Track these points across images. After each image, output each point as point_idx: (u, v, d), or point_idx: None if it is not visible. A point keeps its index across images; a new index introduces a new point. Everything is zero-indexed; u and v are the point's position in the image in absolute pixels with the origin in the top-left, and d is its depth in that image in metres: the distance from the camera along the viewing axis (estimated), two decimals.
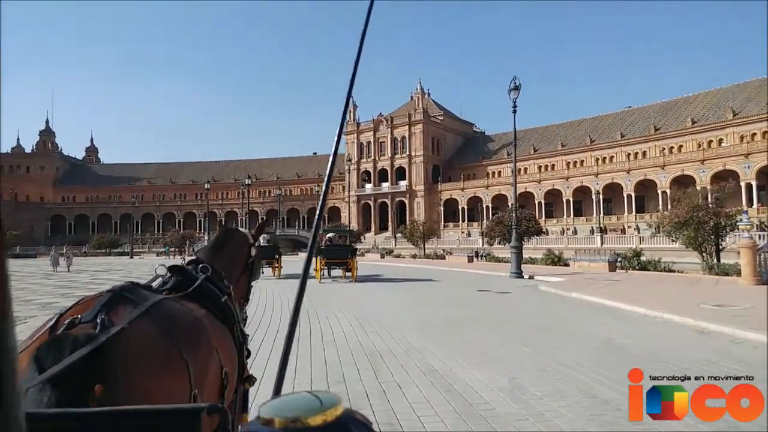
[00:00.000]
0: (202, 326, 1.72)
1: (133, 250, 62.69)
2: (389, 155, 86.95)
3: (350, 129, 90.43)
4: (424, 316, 10.78)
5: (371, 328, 9.28)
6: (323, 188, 1.21)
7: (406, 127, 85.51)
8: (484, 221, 73.66)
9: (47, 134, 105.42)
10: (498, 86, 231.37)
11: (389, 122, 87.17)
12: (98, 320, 1.37)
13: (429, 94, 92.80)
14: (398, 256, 42.89)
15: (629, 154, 69.22)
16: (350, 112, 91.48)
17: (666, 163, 61.35)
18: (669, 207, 57.05)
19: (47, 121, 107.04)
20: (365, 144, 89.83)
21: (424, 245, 42.12)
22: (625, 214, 65.51)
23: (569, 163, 76.89)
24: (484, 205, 76.27)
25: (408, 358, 6.60)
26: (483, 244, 55.21)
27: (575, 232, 67.46)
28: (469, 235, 74.50)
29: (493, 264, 30.18)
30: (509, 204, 78.07)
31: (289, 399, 0.48)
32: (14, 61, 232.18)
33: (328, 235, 21.97)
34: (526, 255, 30.14)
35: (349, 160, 48.32)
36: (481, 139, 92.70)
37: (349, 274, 20.32)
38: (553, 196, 74.64)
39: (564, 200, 72.31)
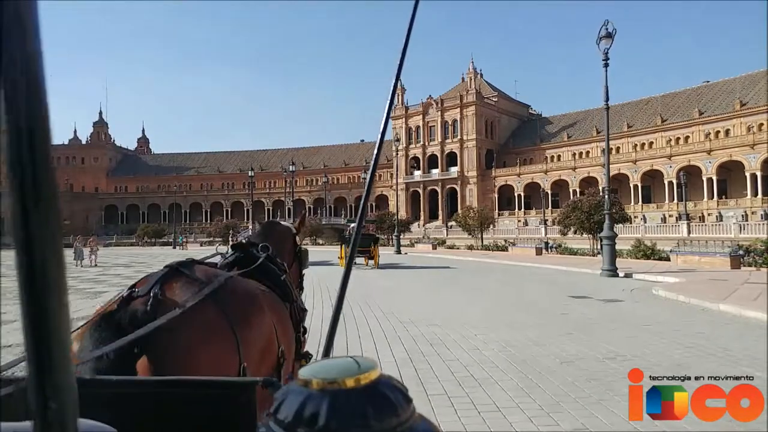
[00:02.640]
0: (259, 303, 1.79)
1: (176, 240, 60.86)
2: (439, 140, 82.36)
3: (398, 113, 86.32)
4: (521, 349, 6.77)
5: (431, 378, 5.44)
6: (367, 180, 1.23)
7: (458, 110, 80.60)
8: (544, 209, 68.57)
9: (101, 125, 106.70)
10: (556, 65, 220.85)
11: (439, 105, 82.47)
12: (151, 294, 1.49)
13: (482, 75, 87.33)
14: (452, 247, 38.63)
15: (708, 134, 61.99)
16: (398, 95, 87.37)
17: (756, 141, 54.05)
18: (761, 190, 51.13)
19: (100, 113, 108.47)
20: (414, 129, 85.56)
21: (482, 235, 37.63)
22: (705, 199, 58.60)
23: (636, 145, 70.23)
24: (544, 192, 70.42)
25: None
26: (545, 233, 50.41)
27: (644, 219, 61.29)
28: (526, 223, 69.39)
29: (568, 258, 25.62)
30: (570, 190, 72.58)
31: (327, 362, 0.50)
32: (71, 53, 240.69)
33: (352, 225, 24.79)
34: None
35: (398, 140, 44.22)
36: (538, 121, 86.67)
37: (371, 261, 21.61)
38: (618, 181, 68.16)
39: (631, 185, 65.86)
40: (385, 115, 1.21)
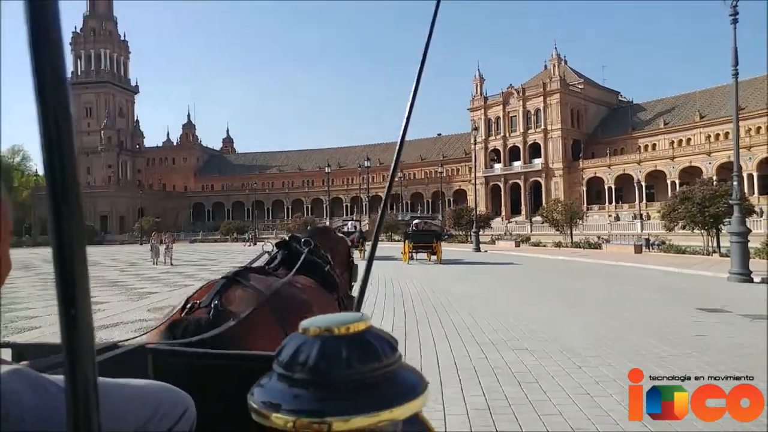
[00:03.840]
0: (308, 308, 1.92)
1: (256, 237, 61.60)
2: (521, 131, 78.04)
3: (477, 104, 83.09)
4: None
5: None
6: (389, 176, 1.31)
7: (541, 99, 75.93)
8: (638, 202, 63.02)
9: (189, 127, 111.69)
10: (648, 49, 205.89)
11: (521, 94, 78.11)
12: (212, 305, 1.66)
13: (566, 61, 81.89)
14: (537, 244, 35.49)
15: None
16: (476, 86, 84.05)
17: None
18: None
19: (188, 115, 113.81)
20: (493, 120, 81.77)
21: (571, 231, 34.17)
22: None
23: (750, 129, 62.43)
24: (638, 184, 64.59)
25: None
26: (641, 229, 45.86)
27: (761, 213, 54.22)
28: (617, 218, 63.89)
29: (675, 257, 22.11)
30: (668, 182, 66.04)
31: (328, 315, 0.57)
32: (165, 57, 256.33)
33: (415, 222, 24.85)
34: (725, 244, 21.87)
35: (476, 129, 41.60)
36: (630, 108, 79.99)
37: (434, 257, 21.79)
38: (727, 171, 60.95)
39: (744, 174, 58.49)
40: (407, 113, 1.23)
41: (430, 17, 1.19)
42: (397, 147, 1.28)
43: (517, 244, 35.60)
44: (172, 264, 23.78)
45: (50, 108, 0.40)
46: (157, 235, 28.53)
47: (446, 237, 46.69)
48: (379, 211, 1.33)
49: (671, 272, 16.63)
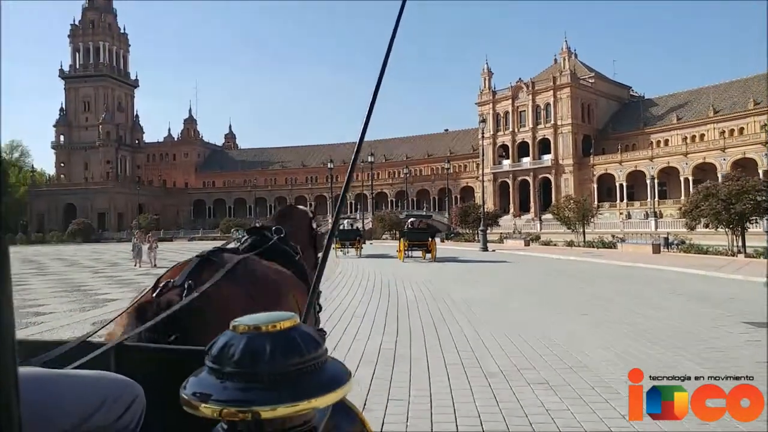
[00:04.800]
0: (284, 282, 1.92)
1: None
2: (530, 126, 76.14)
3: (485, 99, 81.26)
4: None
5: None
6: (347, 175, 1.25)
7: (551, 93, 74.02)
8: (651, 200, 61.28)
9: (190, 122, 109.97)
10: (659, 41, 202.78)
11: (530, 88, 76.16)
12: (186, 285, 1.61)
13: (576, 55, 79.96)
14: (548, 243, 33.90)
15: None
16: (485, 79, 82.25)
17: None
18: None
19: (190, 110, 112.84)
20: (502, 114, 79.88)
21: (584, 229, 32.47)
22: None
23: (765, 125, 60.36)
24: (652, 180, 62.71)
25: None
26: (655, 227, 44.30)
27: None
28: (629, 216, 62.13)
29: (697, 257, 20.46)
30: (681, 179, 64.14)
31: (260, 314, 0.59)
32: (167, 51, 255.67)
33: (410, 220, 24.68)
34: (750, 244, 20.33)
35: (483, 121, 40.09)
36: (641, 103, 78.00)
37: (429, 255, 21.76)
38: (741, 167, 59.11)
39: (761, 172, 56.59)
40: (366, 113, 1.18)
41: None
42: (356, 147, 1.21)
43: (527, 243, 34.02)
44: (155, 265, 22.19)
45: None
46: (141, 234, 26.91)
47: (452, 235, 45.26)
48: (335, 213, 1.24)
49: (697, 275, 15.08)
